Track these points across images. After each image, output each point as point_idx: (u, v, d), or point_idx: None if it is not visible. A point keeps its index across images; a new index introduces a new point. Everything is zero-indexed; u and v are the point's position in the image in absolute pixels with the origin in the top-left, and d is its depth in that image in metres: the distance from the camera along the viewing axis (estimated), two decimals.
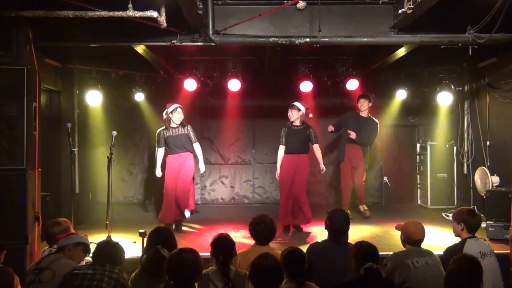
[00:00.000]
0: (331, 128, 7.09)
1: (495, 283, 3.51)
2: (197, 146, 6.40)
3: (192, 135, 6.36)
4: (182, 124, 6.33)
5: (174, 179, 6.24)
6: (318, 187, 8.59)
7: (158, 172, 6.35)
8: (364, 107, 7.02)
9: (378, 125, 7.21)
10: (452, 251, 3.63)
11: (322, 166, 6.35)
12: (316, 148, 6.34)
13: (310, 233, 6.17)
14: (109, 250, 3.17)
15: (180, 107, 6.31)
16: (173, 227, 6.18)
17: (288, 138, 6.28)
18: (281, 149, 6.32)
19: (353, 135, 6.88)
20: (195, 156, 6.38)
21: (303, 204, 6.18)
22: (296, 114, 6.23)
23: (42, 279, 3.11)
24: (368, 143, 7.20)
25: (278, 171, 6.31)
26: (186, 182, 6.31)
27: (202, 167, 6.45)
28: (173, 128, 6.29)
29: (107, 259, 3.08)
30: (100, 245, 3.23)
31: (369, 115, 7.12)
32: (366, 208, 7.21)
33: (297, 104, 6.26)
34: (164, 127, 6.39)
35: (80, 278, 2.91)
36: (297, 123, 6.27)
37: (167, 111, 6.33)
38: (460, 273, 2.66)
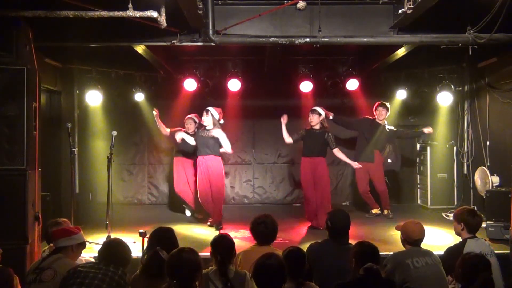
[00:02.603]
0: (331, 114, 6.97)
1: (495, 284, 3.51)
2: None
3: (222, 138, 6.37)
4: (214, 127, 6.36)
5: (202, 180, 6.34)
6: None
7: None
8: (382, 115, 7.11)
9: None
10: (452, 251, 3.63)
11: (353, 163, 6.68)
12: (337, 152, 6.52)
13: (310, 233, 6.18)
14: (117, 250, 3.14)
15: (207, 109, 6.39)
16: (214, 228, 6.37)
17: (305, 140, 6.45)
18: (289, 138, 6.54)
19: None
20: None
21: (323, 209, 6.23)
22: (317, 119, 6.41)
23: (43, 279, 3.11)
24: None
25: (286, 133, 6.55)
26: (219, 186, 6.38)
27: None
28: (205, 130, 6.40)
29: (113, 259, 3.06)
30: (108, 244, 3.20)
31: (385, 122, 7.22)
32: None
33: (318, 109, 6.46)
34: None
35: (82, 276, 2.90)
36: (317, 127, 6.43)
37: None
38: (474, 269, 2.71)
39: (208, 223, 6.54)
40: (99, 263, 3.03)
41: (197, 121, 6.88)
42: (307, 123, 6.58)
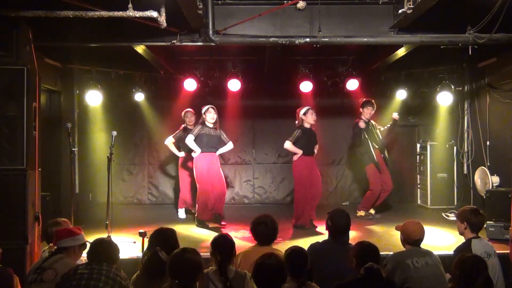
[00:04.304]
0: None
1: (497, 284, 3.51)
2: (230, 145, 6.69)
3: (224, 136, 6.64)
4: (215, 126, 6.49)
5: (208, 177, 6.37)
6: None
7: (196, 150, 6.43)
8: (372, 114, 7.14)
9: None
10: (460, 251, 3.62)
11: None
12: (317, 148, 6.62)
13: (310, 233, 6.18)
14: (104, 249, 3.16)
15: (212, 107, 6.48)
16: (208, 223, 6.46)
17: (303, 140, 6.38)
18: (291, 143, 6.34)
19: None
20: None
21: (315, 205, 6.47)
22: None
23: (44, 279, 3.12)
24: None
25: (299, 151, 6.33)
26: (223, 182, 6.54)
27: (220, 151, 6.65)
28: (209, 128, 6.45)
29: (103, 258, 3.07)
30: (94, 244, 3.20)
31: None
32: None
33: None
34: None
35: (77, 278, 2.90)
36: (309, 125, 6.44)
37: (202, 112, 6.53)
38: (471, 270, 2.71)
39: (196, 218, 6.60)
40: (91, 263, 3.03)
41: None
42: (298, 121, 6.56)
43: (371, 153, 7.02)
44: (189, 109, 7.24)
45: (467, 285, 2.77)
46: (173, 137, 7.10)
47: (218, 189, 6.43)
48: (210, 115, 6.41)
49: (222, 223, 6.52)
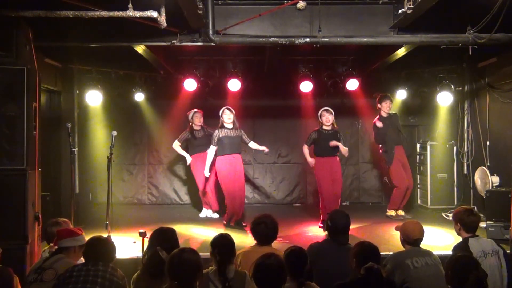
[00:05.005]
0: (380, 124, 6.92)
1: (495, 283, 3.51)
2: (253, 144, 6.77)
3: (245, 136, 6.65)
4: (235, 126, 6.47)
5: (232, 181, 6.35)
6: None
7: (207, 172, 6.49)
8: (391, 107, 7.10)
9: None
10: (457, 249, 3.62)
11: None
12: (346, 151, 6.49)
13: (310, 233, 6.19)
14: (100, 247, 3.14)
15: (227, 108, 6.46)
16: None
17: (320, 142, 6.42)
18: (305, 147, 6.54)
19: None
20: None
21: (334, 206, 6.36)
22: (332, 119, 6.41)
23: (44, 279, 3.12)
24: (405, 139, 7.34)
25: (310, 160, 6.49)
26: (243, 184, 6.58)
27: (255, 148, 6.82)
28: (227, 129, 6.40)
29: (99, 256, 3.06)
30: (90, 242, 3.19)
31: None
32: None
33: (330, 109, 6.47)
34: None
35: (73, 281, 2.89)
36: (329, 127, 6.43)
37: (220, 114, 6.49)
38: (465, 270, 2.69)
39: (224, 222, 6.58)
40: (87, 264, 3.02)
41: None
42: (314, 124, 6.58)
43: (392, 151, 6.95)
44: (197, 110, 7.20)
45: (458, 285, 2.78)
46: (178, 140, 7.11)
47: (238, 193, 6.39)
48: (226, 116, 6.37)
49: (243, 224, 6.43)
